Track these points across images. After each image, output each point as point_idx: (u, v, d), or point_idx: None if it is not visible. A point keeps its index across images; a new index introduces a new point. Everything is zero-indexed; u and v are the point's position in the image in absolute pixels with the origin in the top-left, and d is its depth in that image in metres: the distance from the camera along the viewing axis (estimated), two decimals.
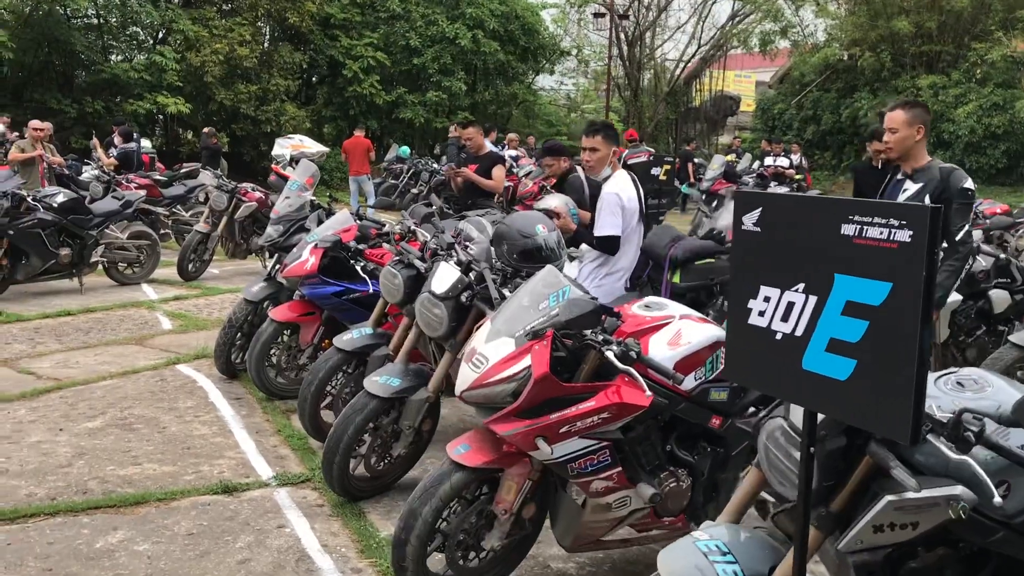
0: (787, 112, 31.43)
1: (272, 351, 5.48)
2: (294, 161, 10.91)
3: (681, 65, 33.85)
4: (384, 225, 6.03)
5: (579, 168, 6.61)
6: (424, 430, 4.06)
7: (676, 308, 3.13)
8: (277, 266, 6.05)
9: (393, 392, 3.86)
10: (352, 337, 4.56)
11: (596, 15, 29.27)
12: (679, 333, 3.00)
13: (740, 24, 33.32)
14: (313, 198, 6.27)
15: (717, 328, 3.11)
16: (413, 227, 4.80)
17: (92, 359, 6.59)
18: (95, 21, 20.90)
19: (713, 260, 4.65)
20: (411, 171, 19.33)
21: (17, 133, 13.93)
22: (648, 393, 2.79)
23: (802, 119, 30.44)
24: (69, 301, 8.43)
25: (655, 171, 12.73)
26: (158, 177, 13.56)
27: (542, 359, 2.76)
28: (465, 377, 2.89)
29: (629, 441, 2.96)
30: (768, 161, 17.09)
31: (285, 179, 8.92)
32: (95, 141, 12.91)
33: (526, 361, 2.80)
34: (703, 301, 4.63)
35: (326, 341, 5.53)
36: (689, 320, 3.08)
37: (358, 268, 5.23)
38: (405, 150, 20.91)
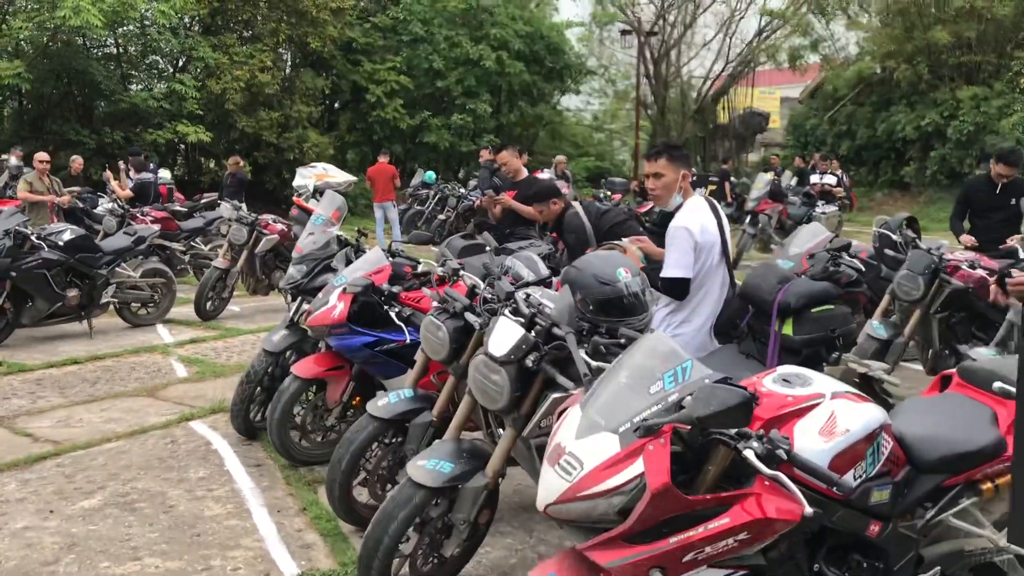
0: (819, 127, 30.65)
1: (296, 410, 4.77)
2: (318, 192, 10.10)
3: (708, 82, 33.18)
4: (419, 263, 5.34)
5: (576, 203, 5.89)
6: (481, 523, 3.33)
7: (824, 383, 2.38)
8: (300, 312, 5.36)
9: (445, 481, 3.14)
10: (389, 403, 3.84)
11: (623, 32, 28.63)
12: (833, 418, 2.25)
13: (768, 39, 32.61)
14: (340, 234, 5.58)
15: (878, 410, 2.36)
16: (458, 267, 4.07)
17: (97, 416, 5.92)
18: (114, 51, 20.55)
19: (832, 307, 3.88)
20: (437, 197, 18.69)
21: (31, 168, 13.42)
22: (805, 506, 2.04)
23: (836, 134, 29.63)
24: (77, 347, 7.79)
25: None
26: (177, 208, 13.00)
27: (661, 465, 2.02)
28: (551, 486, 2.15)
29: (770, 564, 2.21)
30: (814, 179, 16.29)
31: (308, 212, 8.16)
32: (108, 173, 12.35)
33: (637, 467, 2.06)
34: (823, 357, 3.86)
35: (357, 398, 4.83)
36: (844, 400, 2.32)
37: (392, 315, 4.52)
38: (431, 175, 20.29)
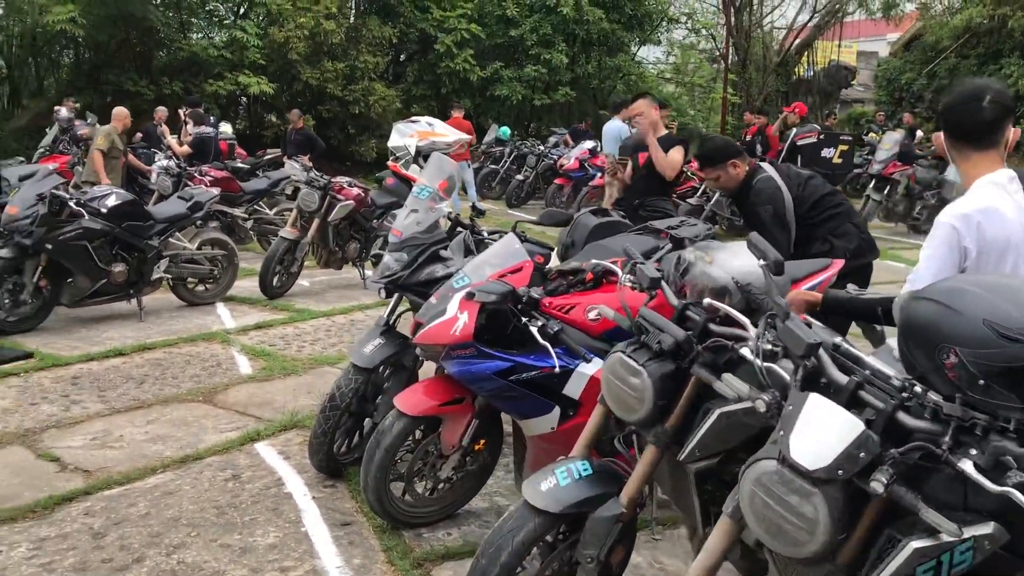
0: (916, 82, 28.35)
1: (398, 455, 3.51)
2: (421, 156, 8.12)
3: (790, 33, 31.07)
4: (550, 252, 4.02)
5: (765, 165, 4.48)
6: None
7: None
8: (398, 314, 4.09)
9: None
10: (554, 485, 2.53)
11: None
12: None
13: None
14: (451, 211, 4.25)
15: None
16: (656, 275, 2.69)
17: (142, 431, 4.75)
18: None
19: None
20: (513, 155, 17.31)
21: (83, 119, 12.38)
22: None
23: (935, 89, 27.30)
24: (123, 332, 6.66)
25: (827, 152, 10.45)
26: (238, 165, 11.84)
27: None
28: None
29: None
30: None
31: (409, 183, 6.64)
32: (164, 127, 11.15)
33: None
34: None
35: (481, 442, 3.55)
36: None
37: (534, 330, 3.20)
38: (505, 131, 18.87)
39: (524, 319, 3.25)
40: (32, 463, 4.30)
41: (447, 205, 4.11)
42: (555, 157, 15.80)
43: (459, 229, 4.23)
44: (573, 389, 3.24)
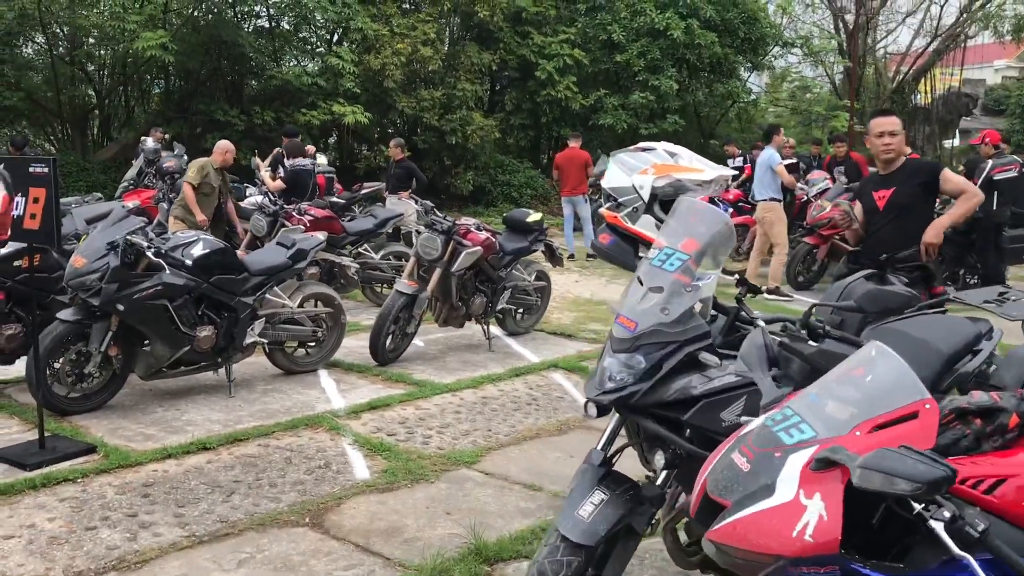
0: None
1: None
2: (659, 201, 5.69)
3: (906, 58, 29.11)
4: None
5: None
6: None
7: None
8: (616, 451, 2.63)
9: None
10: None
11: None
12: None
13: (987, 6, 28.28)
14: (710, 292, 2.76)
15: None
16: None
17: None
18: (266, 24, 18.62)
19: None
20: None
21: (170, 151, 11.36)
22: None
23: None
24: (209, 414, 5.35)
25: None
26: (335, 200, 10.63)
27: None
28: None
29: None
30: None
31: (636, 243, 4.39)
32: (257, 160, 9.95)
33: None
34: None
35: None
36: None
37: (939, 530, 1.68)
38: None
39: (919, 505, 1.75)
40: None
41: (710, 282, 2.64)
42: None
43: (724, 315, 2.74)
44: None
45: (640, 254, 3.43)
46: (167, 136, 14.35)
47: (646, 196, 4.71)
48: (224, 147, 8.74)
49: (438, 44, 18.73)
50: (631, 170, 4.88)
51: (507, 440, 5.16)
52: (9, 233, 4.02)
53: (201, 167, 8.48)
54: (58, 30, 16.92)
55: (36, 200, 4.18)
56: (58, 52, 17.14)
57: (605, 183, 4.99)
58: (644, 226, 4.30)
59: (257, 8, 17.83)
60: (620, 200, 4.75)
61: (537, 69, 20.34)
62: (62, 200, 7.89)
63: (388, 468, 4.60)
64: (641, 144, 4.72)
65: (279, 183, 9.28)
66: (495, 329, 7.43)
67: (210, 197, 8.48)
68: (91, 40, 17.26)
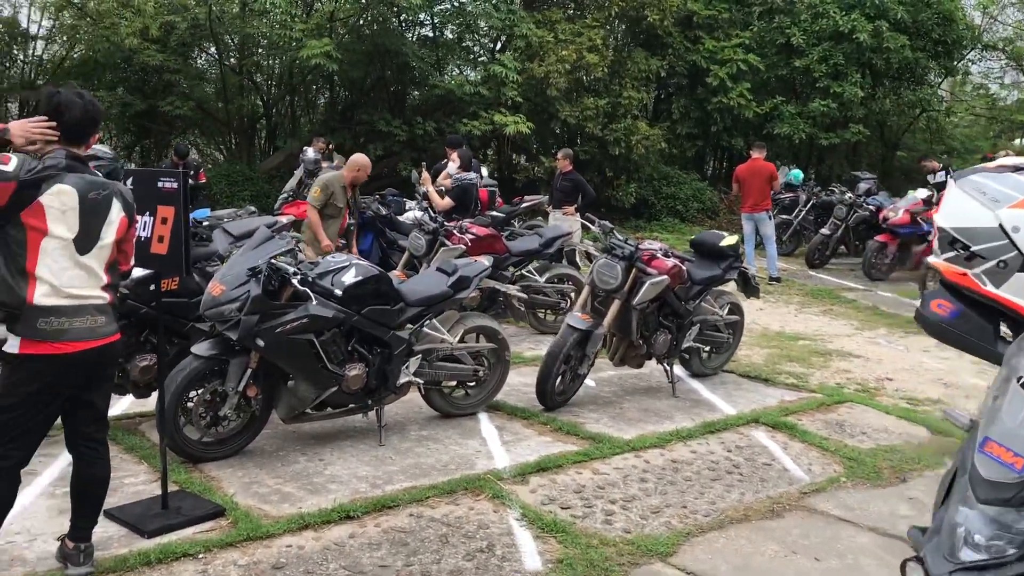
0: None
1: None
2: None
3: None
4: None
5: None
6: None
7: None
8: None
9: None
10: None
11: None
12: None
13: None
14: None
15: None
16: None
17: None
18: (430, 33, 18.30)
19: None
20: (810, 203, 14.41)
21: (330, 162, 10.99)
22: None
23: None
24: (355, 466, 4.62)
25: None
26: (494, 214, 9.85)
27: None
28: None
29: None
30: None
31: (994, 313, 2.45)
32: (424, 173, 9.09)
33: None
34: None
35: None
36: None
37: None
38: (798, 174, 16.06)
39: None
40: None
41: None
42: (872, 207, 12.76)
43: None
44: None
45: (1004, 334, 2.35)
46: (330, 146, 14.11)
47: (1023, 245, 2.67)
48: (357, 163, 7.59)
49: (604, 50, 17.83)
50: (994, 201, 2.80)
51: (708, 523, 4.17)
52: (132, 262, 3.38)
53: (326, 186, 7.43)
54: (228, 40, 17.16)
55: (164, 221, 3.56)
56: (228, 63, 17.39)
57: (943, 219, 2.83)
58: (1017, 291, 2.53)
59: (422, 16, 17.51)
60: (974, 249, 2.73)
61: (708, 75, 19.11)
62: (216, 212, 7.54)
63: (564, 557, 3.70)
64: (1010, 160, 2.67)
65: (448, 201, 8.50)
66: (678, 369, 6.42)
67: (336, 219, 7.47)
68: (260, 50, 17.43)
